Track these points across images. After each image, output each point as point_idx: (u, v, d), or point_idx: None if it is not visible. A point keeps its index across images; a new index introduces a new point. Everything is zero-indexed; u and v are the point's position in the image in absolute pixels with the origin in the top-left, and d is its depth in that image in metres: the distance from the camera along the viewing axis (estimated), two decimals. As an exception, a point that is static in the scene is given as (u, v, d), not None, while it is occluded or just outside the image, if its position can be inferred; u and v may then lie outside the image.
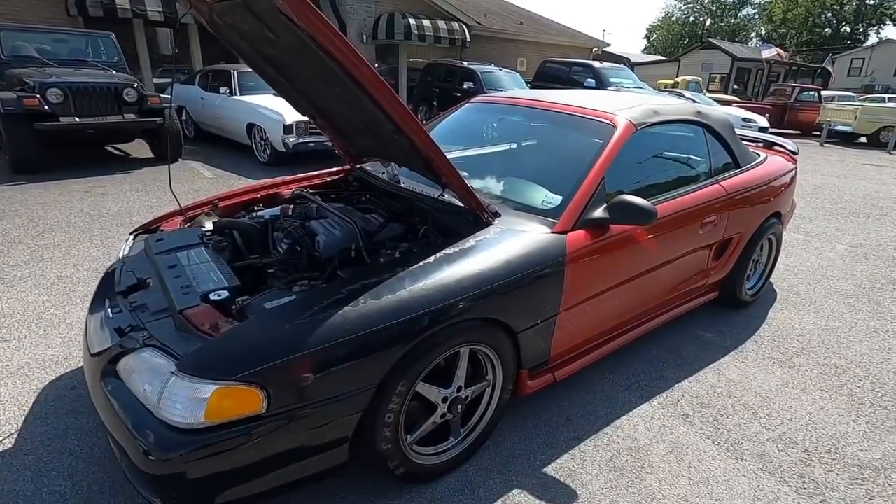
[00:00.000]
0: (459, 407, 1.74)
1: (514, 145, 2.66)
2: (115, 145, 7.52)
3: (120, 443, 1.34)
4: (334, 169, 2.82)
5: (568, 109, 2.44)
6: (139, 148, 7.31)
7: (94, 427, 1.92)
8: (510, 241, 1.78)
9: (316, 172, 2.80)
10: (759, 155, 3.14)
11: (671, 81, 18.92)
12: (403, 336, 1.44)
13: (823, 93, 16.18)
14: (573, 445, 1.96)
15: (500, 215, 1.94)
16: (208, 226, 2.25)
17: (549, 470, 1.83)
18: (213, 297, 1.56)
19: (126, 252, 2.06)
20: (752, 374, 2.48)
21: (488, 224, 1.87)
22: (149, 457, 1.24)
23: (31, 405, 2.03)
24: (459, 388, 1.73)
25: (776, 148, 3.54)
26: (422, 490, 1.71)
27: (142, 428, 1.28)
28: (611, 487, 1.77)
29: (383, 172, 2.51)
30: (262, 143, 6.70)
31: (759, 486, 1.80)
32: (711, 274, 2.76)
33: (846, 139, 13.51)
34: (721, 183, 2.63)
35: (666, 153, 2.60)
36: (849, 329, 2.98)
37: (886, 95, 19.41)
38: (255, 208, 2.40)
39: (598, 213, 1.97)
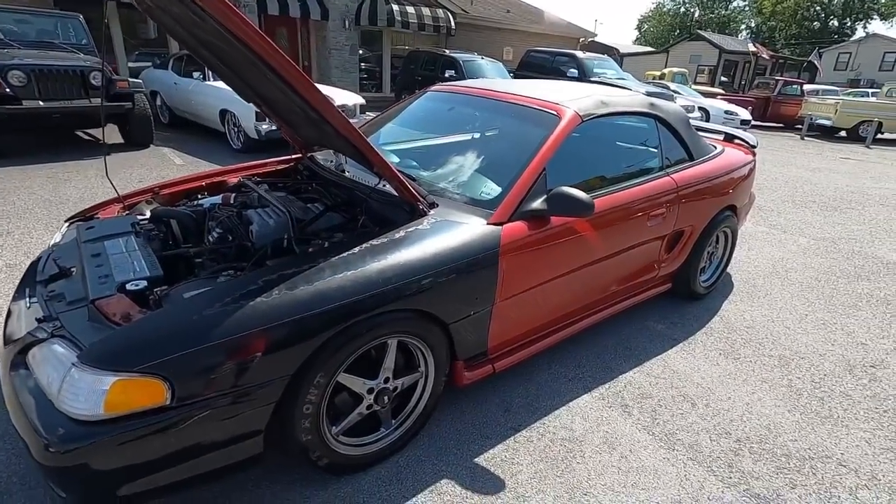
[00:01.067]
0: (387, 398, 1.74)
1: (464, 136, 2.64)
2: (86, 130, 7.37)
3: (21, 435, 1.32)
4: (284, 158, 2.78)
5: (517, 100, 2.42)
6: (110, 133, 7.16)
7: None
8: (442, 233, 1.77)
9: (265, 161, 2.76)
10: (715, 148, 3.14)
11: (658, 73, 18.94)
12: (319, 327, 1.43)
13: (808, 87, 16.31)
14: (509, 436, 1.97)
15: (436, 206, 1.92)
16: (147, 214, 2.21)
17: (481, 460, 1.84)
18: (129, 286, 1.53)
19: (58, 240, 2.02)
20: (696, 366, 2.51)
21: (423, 215, 1.86)
22: (48, 449, 1.22)
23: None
24: (387, 380, 1.73)
25: (736, 141, 3.55)
26: (349, 480, 1.71)
27: (42, 419, 1.25)
28: (539, 477, 1.78)
29: (331, 161, 2.48)
30: (236, 129, 6.61)
31: (685, 475, 1.83)
32: (663, 266, 2.78)
33: (827, 133, 13.66)
34: (672, 176, 2.64)
35: (617, 145, 2.60)
36: (798, 321, 3.02)
37: (870, 90, 19.60)
38: (199, 196, 2.36)
39: (536, 204, 1.96)
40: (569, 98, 2.38)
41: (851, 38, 37.02)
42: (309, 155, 2.65)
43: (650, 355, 2.57)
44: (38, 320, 1.50)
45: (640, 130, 2.67)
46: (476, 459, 1.84)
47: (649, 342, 2.69)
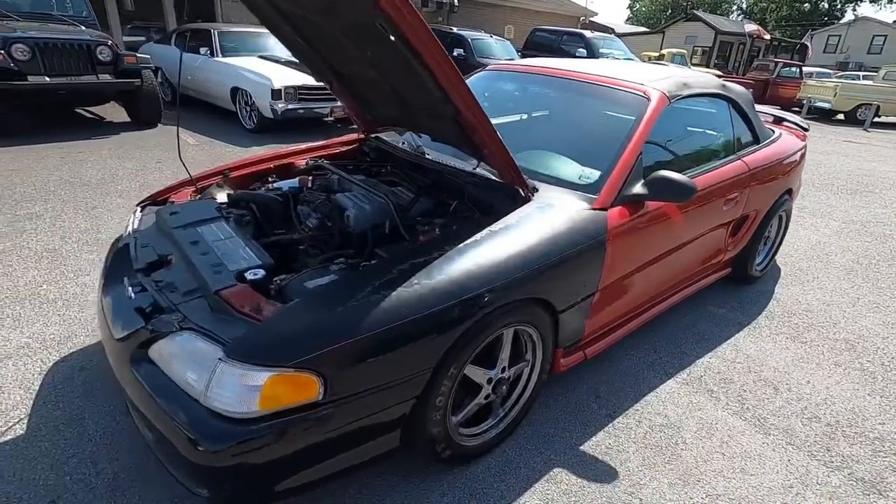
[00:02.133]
0: (504, 388, 1.71)
1: (537, 116, 2.56)
2: (88, 108, 7.08)
3: (162, 432, 1.26)
4: (347, 138, 2.68)
5: (597, 80, 2.35)
6: (113, 111, 6.89)
7: (112, 411, 1.81)
8: (553, 218, 1.72)
9: (328, 141, 2.66)
10: (773, 131, 3.12)
11: (656, 54, 18.82)
12: (460, 317, 1.38)
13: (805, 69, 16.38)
14: (606, 423, 1.96)
15: (537, 190, 1.86)
16: (220, 197, 2.12)
17: (587, 447, 1.83)
18: (248, 276, 1.45)
19: (135, 226, 1.91)
20: (767, 350, 2.52)
21: (527, 200, 1.80)
22: (197, 447, 1.16)
23: (37, 388, 1.91)
24: (503, 369, 1.69)
25: (785, 124, 3.53)
26: (463, 471, 1.68)
27: (188, 417, 1.19)
28: (648, 464, 1.78)
29: (403, 143, 2.39)
30: (248, 108, 6.39)
31: (789, 460, 1.84)
32: (728, 250, 2.77)
33: (824, 115, 13.76)
34: (743, 159, 2.61)
35: (693, 127, 2.55)
36: (852, 304, 3.05)
37: (861, 73, 19.78)
38: (269, 179, 2.26)
39: (637, 189, 1.91)
40: (650, 79, 2.31)
41: (841, 21, 37.23)
42: (373, 136, 2.55)
43: (720, 340, 2.58)
44: (142, 311, 1.42)
45: (714, 112, 2.62)
46: (582, 447, 1.83)
47: (715, 326, 2.69)
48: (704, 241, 2.47)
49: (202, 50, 6.91)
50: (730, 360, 2.42)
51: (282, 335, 1.23)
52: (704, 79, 2.59)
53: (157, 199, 2.09)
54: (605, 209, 1.85)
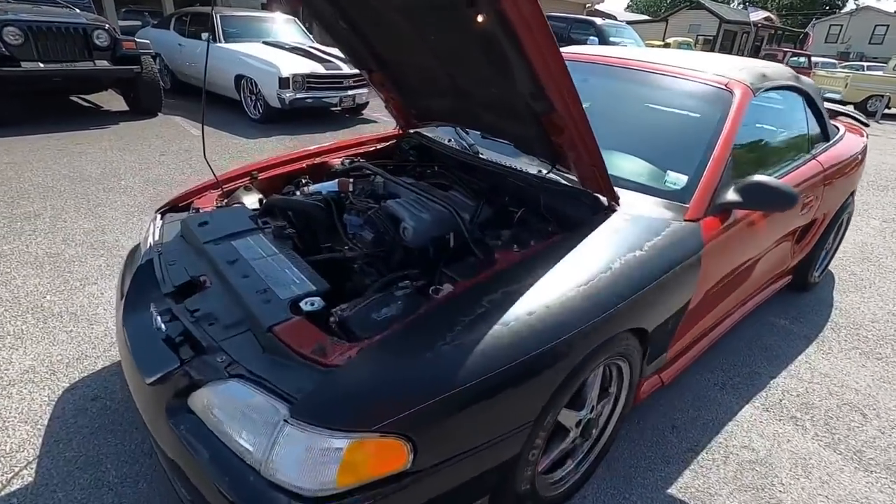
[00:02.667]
0: (594, 431, 1.49)
1: (601, 111, 2.30)
2: (83, 96, 6.74)
3: (204, 497, 1.03)
4: (382, 133, 2.42)
5: (669, 71, 2.10)
6: (111, 99, 6.57)
7: (133, 451, 1.58)
8: (647, 233, 1.48)
9: (361, 137, 2.40)
10: (837, 128, 2.88)
11: (660, 42, 18.48)
12: (563, 359, 1.15)
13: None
14: (690, 459, 1.74)
15: (618, 198, 1.63)
16: (248, 201, 1.87)
17: (675, 490, 1.61)
18: (304, 306, 1.21)
19: (156, 237, 1.66)
20: (843, 368, 2.31)
21: (611, 210, 1.56)
22: (260, 532, 0.93)
23: (46, 422, 1.67)
24: (591, 409, 1.47)
25: (842, 118, 3.29)
26: (543, 524, 1.46)
27: (243, 491, 0.96)
28: (748, 511, 1.57)
29: (449, 140, 2.14)
30: (253, 97, 6.09)
31: (900, 503, 1.64)
32: (794, 257, 2.55)
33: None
34: (817, 158, 2.38)
35: (768, 123, 2.31)
36: (918, 314, 2.85)
37: (865, 64, 19.55)
38: (303, 181, 2.01)
39: (730, 196, 1.68)
40: (727, 69, 2.06)
41: (843, 10, 36.91)
42: (413, 131, 2.30)
43: (790, 356, 2.37)
44: (184, 348, 1.18)
45: (789, 106, 2.39)
46: (669, 490, 1.61)
47: (781, 340, 2.48)
48: (777, 249, 2.25)
49: (203, 35, 6.57)
50: (806, 380, 2.21)
51: (361, 390, 0.99)
52: (779, 69, 2.34)
53: (178, 205, 1.83)
54: (697, 220, 1.61)
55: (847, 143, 2.71)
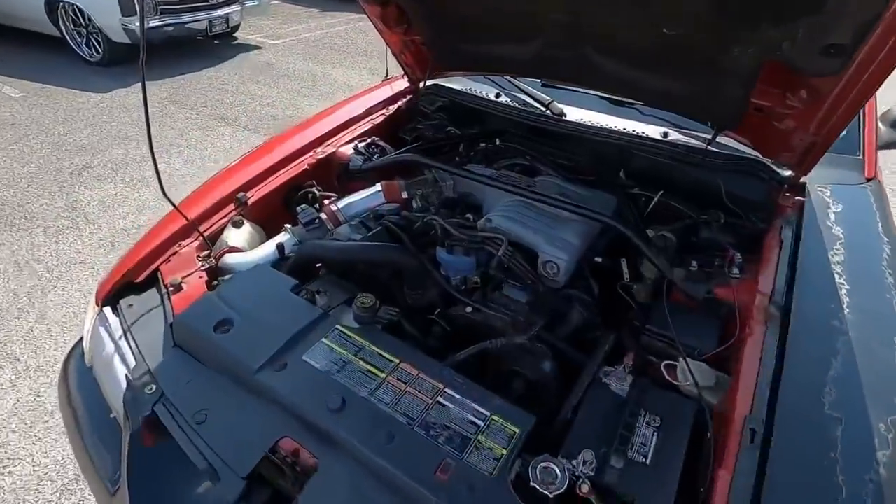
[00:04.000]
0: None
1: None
2: None
3: None
4: (379, 89, 1.71)
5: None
6: None
7: None
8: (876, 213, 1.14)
9: (352, 102, 1.67)
10: None
11: None
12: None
13: None
14: None
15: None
16: (236, 240, 1.17)
17: None
18: (583, 488, 0.69)
19: (127, 359, 0.93)
20: None
21: (799, 187, 1.16)
22: None
23: None
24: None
25: None
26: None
27: None
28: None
29: (499, 95, 1.53)
30: (84, 31, 4.46)
31: None
32: None
33: None
34: None
35: None
36: None
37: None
38: (316, 193, 1.31)
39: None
40: None
41: None
42: (431, 83, 1.62)
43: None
44: None
45: None
46: None
47: None
48: None
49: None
50: None
51: None
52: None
53: (133, 282, 1.07)
54: (872, 179, 1.29)
55: None
